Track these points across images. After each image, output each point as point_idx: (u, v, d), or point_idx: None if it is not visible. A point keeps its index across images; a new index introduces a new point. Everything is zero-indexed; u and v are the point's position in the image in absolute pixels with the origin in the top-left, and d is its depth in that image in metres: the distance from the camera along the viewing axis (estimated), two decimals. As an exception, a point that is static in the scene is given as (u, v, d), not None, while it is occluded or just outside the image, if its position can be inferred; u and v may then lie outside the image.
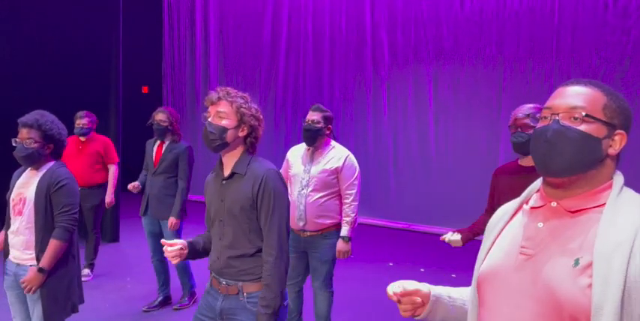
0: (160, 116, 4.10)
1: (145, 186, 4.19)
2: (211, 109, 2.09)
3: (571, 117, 1.11)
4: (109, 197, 4.88)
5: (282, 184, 2.11)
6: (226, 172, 2.12)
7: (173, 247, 2.03)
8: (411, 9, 7.10)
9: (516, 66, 6.37)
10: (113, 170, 4.97)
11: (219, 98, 2.06)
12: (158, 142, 4.18)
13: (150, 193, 4.11)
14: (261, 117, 2.15)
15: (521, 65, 6.34)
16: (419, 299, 1.26)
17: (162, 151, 4.11)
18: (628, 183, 1.14)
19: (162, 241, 2.08)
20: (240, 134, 2.09)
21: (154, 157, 4.15)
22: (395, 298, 1.26)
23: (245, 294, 2.06)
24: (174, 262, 2.06)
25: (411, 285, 1.27)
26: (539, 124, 1.17)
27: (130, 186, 4.18)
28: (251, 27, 8.50)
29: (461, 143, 6.79)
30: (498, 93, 6.50)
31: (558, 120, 1.12)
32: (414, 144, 7.16)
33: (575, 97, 1.13)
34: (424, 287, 1.29)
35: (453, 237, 2.75)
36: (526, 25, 6.32)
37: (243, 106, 2.07)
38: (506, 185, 2.62)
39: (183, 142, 4.17)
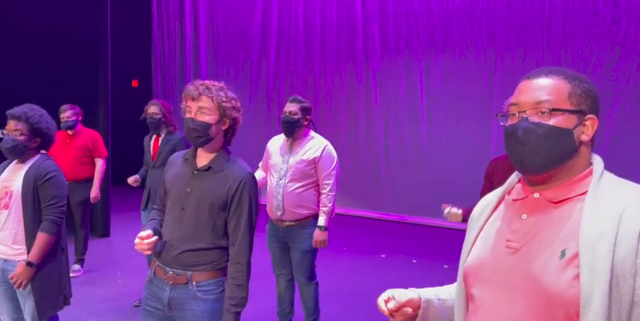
0: (153, 109, 4.07)
1: (146, 180, 4.16)
2: (192, 105, 2.05)
3: (538, 112, 1.10)
4: (94, 192, 4.80)
5: (257, 189, 2.13)
6: (201, 163, 2.10)
7: (150, 240, 1.98)
8: (402, 0, 7.07)
9: (507, 56, 6.37)
10: (100, 164, 4.89)
11: (199, 94, 2.03)
12: (154, 136, 4.16)
13: (151, 187, 4.08)
14: (239, 105, 2.13)
15: (512, 55, 6.34)
16: (410, 310, 1.26)
17: (159, 144, 4.09)
18: (626, 175, 1.12)
19: (139, 234, 2.00)
20: (223, 128, 2.08)
21: (152, 151, 4.13)
22: (387, 313, 1.24)
23: (194, 283, 2.04)
24: (147, 253, 2.01)
25: (402, 296, 1.26)
26: (509, 122, 1.16)
27: (130, 179, 4.13)
28: (241, 18, 8.43)
29: (453, 134, 6.80)
30: (490, 83, 6.51)
31: (526, 117, 1.11)
32: (406, 135, 7.16)
33: (538, 90, 1.11)
34: (414, 295, 1.28)
35: (453, 210, 2.67)
36: (517, 15, 6.31)
37: (224, 99, 2.05)
38: (500, 176, 2.62)
39: (178, 132, 4.14)
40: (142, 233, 2.02)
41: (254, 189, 2.10)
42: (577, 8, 5.96)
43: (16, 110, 2.56)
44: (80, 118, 4.85)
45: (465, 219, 2.70)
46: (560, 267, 1.02)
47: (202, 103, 2.03)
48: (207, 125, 2.03)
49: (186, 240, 2.05)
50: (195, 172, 2.09)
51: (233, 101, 2.08)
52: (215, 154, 2.10)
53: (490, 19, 6.49)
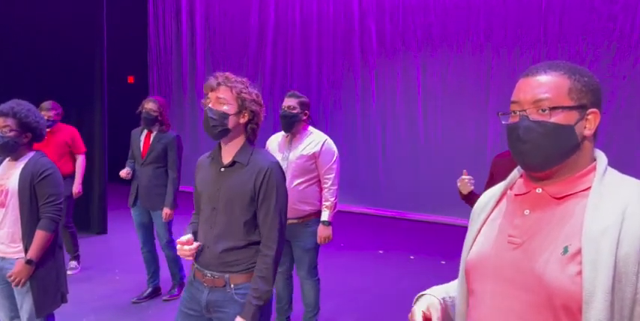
0: (151, 105, 4.03)
1: (133, 176, 4.14)
2: (211, 96, 2.03)
3: (538, 110, 1.09)
4: (76, 187, 4.75)
5: (284, 178, 2.09)
6: (226, 160, 2.07)
7: (191, 247, 2.00)
8: (398, -4, 7.07)
9: (504, 52, 6.38)
10: (81, 160, 4.84)
11: (218, 84, 2.01)
12: (145, 132, 4.11)
13: (139, 184, 4.06)
14: (262, 102, 2.10)
15: (509, 51, 6.35)
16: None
17: (151, 141, 4.05)
18: (621, 171, 1.12)
19: (178, 240, 2.02)
20: (242, 120, 2.04)
21: (141, 147, 4.09)
22: None
23: (232, 286, 2.02)
24: (190, 259, 2.04)
25: (435, 311, 1.22)
26: (510, 120, 1.15)
27: (122, 173, 4.10)
28: (238, 14, 8.40)
29: (449, 130, 6.81)
30: (486, 80, 6.51)
31: (527, 116, 1.10)
32: (403, 132, 7.17)
33: (537, 88, 1.10)
34: (437, 303, 1.24)
35: (466, 181, 2.75)
36: (514, 11, 6.32)
37: (244, 91, 2.02)
38: (503, 174, 2.63)
39: (171, 131, 4.12)
40: (183, 238, 2.03)
41: (281, 178, 2.06)
42: (574, 4, 5.96)
43: (3, 106, 2.53)
44: (60, 119, 4.78)
45: (465, 197, 2.74)
46: (563, 263, 1.01)
47: (221, 93, 2.01)
48: (225, 115, 1.99)
49: (220, 239, 2.03)
50: (222, 169, 2.06)
51: (254, 94, 2.05)
52: (238, 148, 2.07)
53: (487, 16, 6.49)
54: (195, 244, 2.03)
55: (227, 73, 2.05)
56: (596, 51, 5.82)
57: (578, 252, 1.00)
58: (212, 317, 2.07)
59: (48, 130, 4.65)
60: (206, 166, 2.15)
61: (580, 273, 0.99)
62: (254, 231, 2.04)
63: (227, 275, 2.02)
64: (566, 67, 1.12)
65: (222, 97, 2.01)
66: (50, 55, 6.02)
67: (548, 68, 1.12)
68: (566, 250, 1.02)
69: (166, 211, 3.98)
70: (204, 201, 2.11)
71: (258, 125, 2.10)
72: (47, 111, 4.63)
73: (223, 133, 2.02)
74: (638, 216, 0.99)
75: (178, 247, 2.02)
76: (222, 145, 2.09)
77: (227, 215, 2.03)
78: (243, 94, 2.01)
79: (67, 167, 4.76)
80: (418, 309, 1.23)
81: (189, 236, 2.06)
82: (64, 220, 4.75)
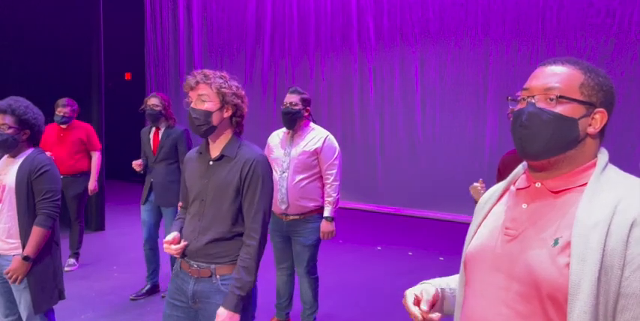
0: (153, 101, 4.04)
1: (146, 174, 4.14)
2: (192, 94, 2.06)
3: (547, 98, 1.10)
4: (92, 184, 4.81)
5: (270, 170, 2.11)
6: (214, 154, 2.10)
7: (178, 246, 2.05)
8: (396, -9, 7.04)
9: (502, 48, 6.36)
10: (96, 157, 4.90)
11: (197, 82, 2.04)
12: (154, 129, 4.12)
13: (154, 182, 4.05)
14: (243, 93, 2.11)
15: (506, 47, 6.33)
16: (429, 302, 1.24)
17: (160, 138, 4.06)
18: (617, 164, 1.12)
19: (165, 239, 2.08)
20: (225, 115, 2.06)
21: (152, 145, 4.09)
22: (419, 317, 1.20)
23: (218, 276, 2.04)
24: (177, 256, 2.09)
25: (427, 294, 1.24)
26: (518, 107, 1.16)
27: (134, 163, 4.09)
28: (235, 10, 8.38)
29: (447, 126, 6.80)
30: (484, 75, 6.50)
31: (534, 102, 1.12)
32: (401, 127, 7.16)
33: (551, 77, 1.12)
34: (432, 289, 1.27)
35: (478, 188, 2.74)
36: (511, 7, 6.30)
37: (223, 86, 2.04)
38: (514, 168, 2.64)
39: (178, 126, 4.12)
40: (168, 237, 2.08)
41: (266, 169, 2.07)
42: (572, 0, 5.95)
43: (1, 104, 2.52)
44: (75, 116, 4.82)
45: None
46: (553, 255, 1.04)
47: (201, 91, 2.03)
48: (208, 113, 2.02)
49: (207, 231, 2.05)
50: (211, 163, 2.09)
51: (234, 87, 2.07)
52: (226, 142, 2.10)
53: (485, 11, 6.47)
54: (183, 244, 2.07)
55: (205, 70, 2.07)
56: (594, 47, 5.81)
57: (568, 244, 1.02)
58: (198, 308, 2.09)
59: (64, 126, 4.71)
60: (194, 161, 2.18)
61: (568, 265, 1.00)
62: (240, 223, 2.07)
63: (213, 266, 2.04)
64: (583, 64, 1.14)
65: (203, 93, 2.03)
66: (48, 52, 6.00)
67: (567, 61, 1.14)
68: (556, 242, 1.04)
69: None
70: (193, 194, 2.13)
71: (243, 117, 2.12)
72: (63, 107, 4.67)
73: (210, 130, 2.05)
74: (627, 211, 1.00)
75: (165, 246, 2.07)
76: (210, 141, 2.12)
77: (215, 207, 2.05)
78: (223, 89, 2.03)
79: (82, 164, 4.81)
80: (411, 291, 1.26)
81: (175, 234, 2.10)
82: (75, 215, 4.79)
